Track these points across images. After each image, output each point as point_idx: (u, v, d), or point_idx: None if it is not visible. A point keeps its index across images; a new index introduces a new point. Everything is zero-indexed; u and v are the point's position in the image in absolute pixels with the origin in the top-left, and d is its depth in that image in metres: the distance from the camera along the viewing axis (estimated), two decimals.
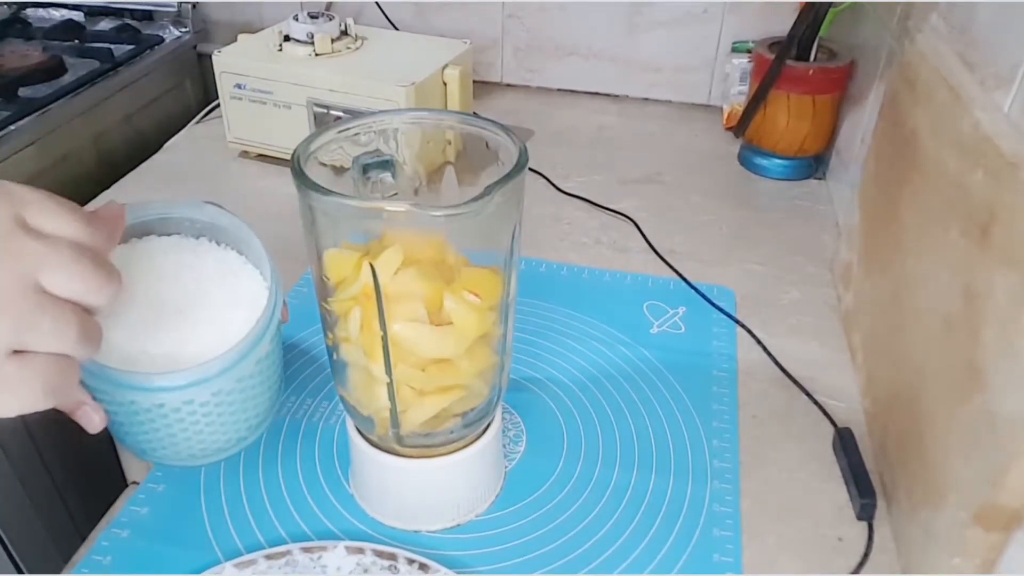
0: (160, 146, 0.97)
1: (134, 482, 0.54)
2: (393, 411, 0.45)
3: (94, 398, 0.43)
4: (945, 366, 0.47)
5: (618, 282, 0.74)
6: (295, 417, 0.59)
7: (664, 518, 0.52)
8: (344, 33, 0.90)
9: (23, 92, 0.90)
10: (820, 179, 0.92)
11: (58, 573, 0.48)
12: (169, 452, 0.47)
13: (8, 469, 0.74)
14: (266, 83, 0.86)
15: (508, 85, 1.13)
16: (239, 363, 0.44)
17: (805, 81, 0.85)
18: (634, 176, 0.92)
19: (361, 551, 0.47)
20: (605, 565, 0.49)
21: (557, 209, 0.86)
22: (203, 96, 1.15)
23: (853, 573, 0.49)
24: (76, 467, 0.82)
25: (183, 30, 1.12)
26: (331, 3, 1.12)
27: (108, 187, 0.88)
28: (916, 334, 0.52)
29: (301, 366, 0.63)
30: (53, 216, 0.34)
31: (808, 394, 0.61)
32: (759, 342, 0.67)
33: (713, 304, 0.71)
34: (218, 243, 0.49)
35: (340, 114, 0.83)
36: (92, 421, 0.42)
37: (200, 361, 0.43)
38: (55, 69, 0.96)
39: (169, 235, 0.48)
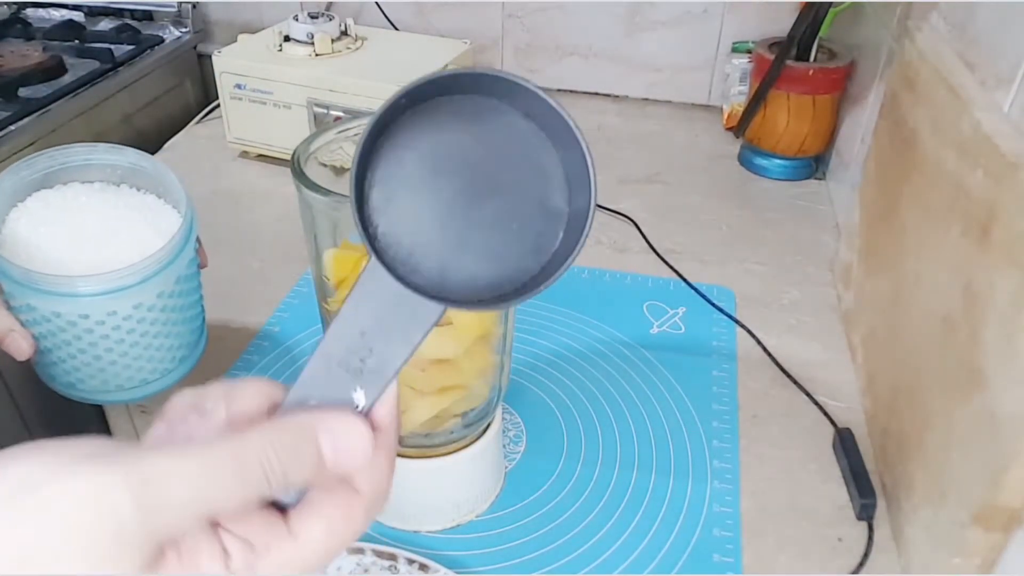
0: (160, 146, 0.97)
1: None
2: None
3: (22, 324, 0.45)
4: (945, 366, 0.47)
5: (618, 282, 0.74)
6: None
7: (664, 518, 0.52)
8: (344, 33, 0.90)
9: (23, 92, 0.90)
10: (820, 179, 0.92)
11: None
12: (97, 383, 0.48)
13: None
14: (266, 83, 0.86)
15: None
16: (159, 274, 0.46)
17: (805, 81, 0.85)
18: (634, 176, 0.92)
19: (361, 551, 0.47)
20: (605, 565, 0.49)
21: None
22: (203, 96, 1.15)
23: (853, 573, 0.49)
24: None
25: (183, 30, 1.12)
26: (331, 3, 1.12)
27: None
28: (916, 334, 0.52)
29: (301, 366, 0.63)
30: None
31: (808, 394, 0.61)
32: (759, 342, 0.67)
33: (713, 304, 0.71)
34: (139, 189, 0.52)
35: (340, 114, 0.83)
36: (20, 347, 0.45)
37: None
38: (55, 69, 0.96)
39: (92, 182, 0.51)
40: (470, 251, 0.27)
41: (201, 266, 0.53)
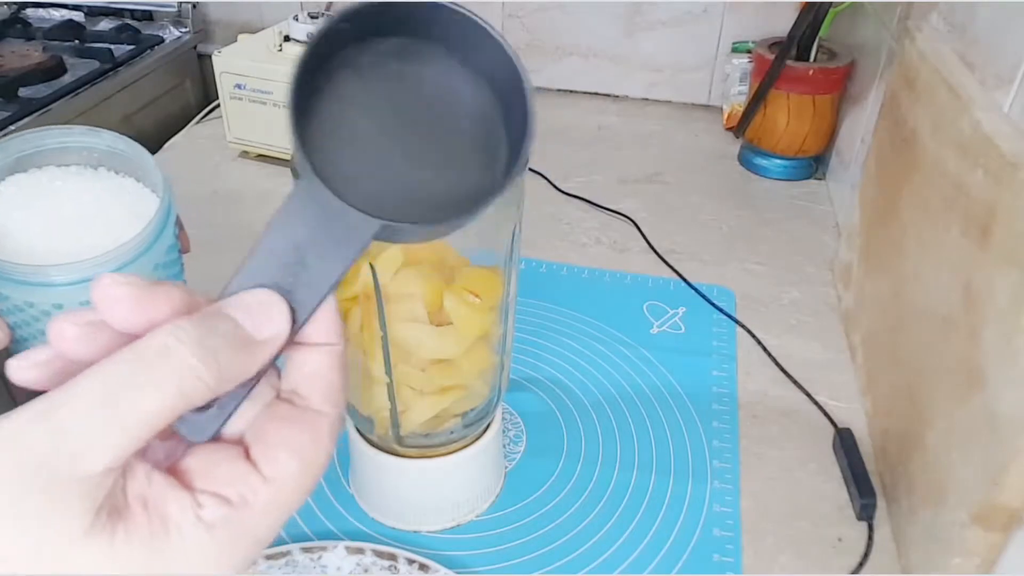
0: (160, 146, 0.97)
1: None
2: (393, 411, 0.45)
3: None
4: (945, 366, 0.47)
5: (618, 282, 0.74)
6: None
7: (664, 518, 0.52)
8: None
9: (23, 92, 0.90)
10: (820, 179, 0.92)
11: None
12: None
13: None
14: (266, 83, 0.86)
15: None
16: (136, 260, 0.44)
17: (805, 81, 0.85)
18: (634, 176, 0.92)
19: (361, 551, 0.47)
20: (605, 565, 0.49)
21: (557, 209, 0.86)
22: (203, 96, 1.15)
23: (853, 573, 0.49)
24: None
25: (183, 30, 1.12)
26: (331, 3, 1.12)
27: None
28: (916, 334, 0.52)
29: None
30: None
31: (808, 394, 0.61)
32: (759, 342, 0.67)
33: (713, 304, 0.71)
34: (116, 172, 0.50)
35: None
36: None
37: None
38: (55, 69, 0.96)
39: (68, 166, 0.49)
40: (410, 176, 0.27)
41: (183, 251, 0.51)
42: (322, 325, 0.26)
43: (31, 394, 0.22)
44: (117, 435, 0.20)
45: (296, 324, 0.25)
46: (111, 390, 0.21)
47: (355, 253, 0.26)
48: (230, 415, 0.24)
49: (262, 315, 0.24)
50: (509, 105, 0.28)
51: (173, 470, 0.23)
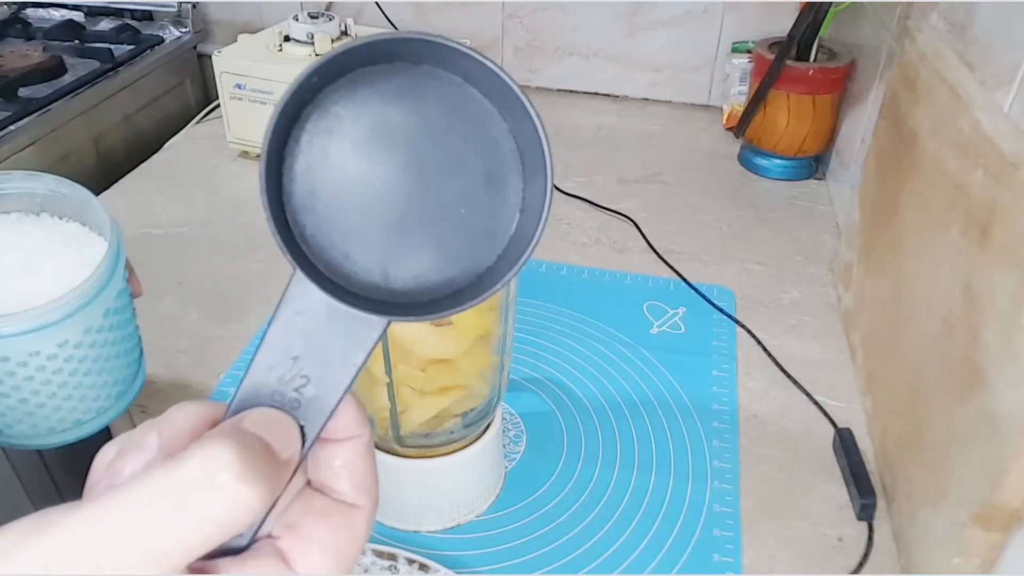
0: (160, 146, 0.97)
1: None
2: (393, 411, 0.45)
3: None
4: (945, 366, 0.47)
5: (618, 282, 0.74)
6: None
7: (664, 518, 0.52)
8: (344, 33, 0.90)
9: (23, 92, 0.90)
10: (820, 179, 0.92)
11: None
12: (25, 427, 0.45)
13: (8, 469, 0.74)
14: (266, 83, 0.86)
15: None
16: (84, 308, 0.43)
17: (805, 81, 0.85)
18: (634, 176, 0.92)
19: (361, 551, 0.47)
20: (605, 565, 0.49)
21: (557, 209, 0.86)
22: (203, 96, 1.15)
23: (853, 573, 0.49)
24: (76, 467, 0.82)
25: (183, 30, 1.12)
26: (331, 3, 1.12)
27: (108, 187, 0.88)
28: (916, 334, 0.52)
29: None
30: None
31: (808, 394, 0.61)
32: (759, 342, 0.67)
33: (713, 304, 0.71)
34: (60, 217, 0.49)
35: None
36: None
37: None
38: (55, 69, 0.96)
39: (8, 213, 0.48)
40: (414, 245, 0.23)
41: (134, 295, 0.50)
42: (343, 420, 0.25)
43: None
44: (155, 569, 0.19)
45: (307, 442, 0.23)
46: (150, 525, 0.19)
47: (364, 357, 0.24)
48: (264, 521, 0.23)
49: (282, 434, 0.23)
50: (525, 163, 0.24)
51: (203, 569, 0.22)
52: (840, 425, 0.58)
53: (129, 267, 0.49)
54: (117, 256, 0.46)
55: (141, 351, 0.51)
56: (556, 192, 0.87)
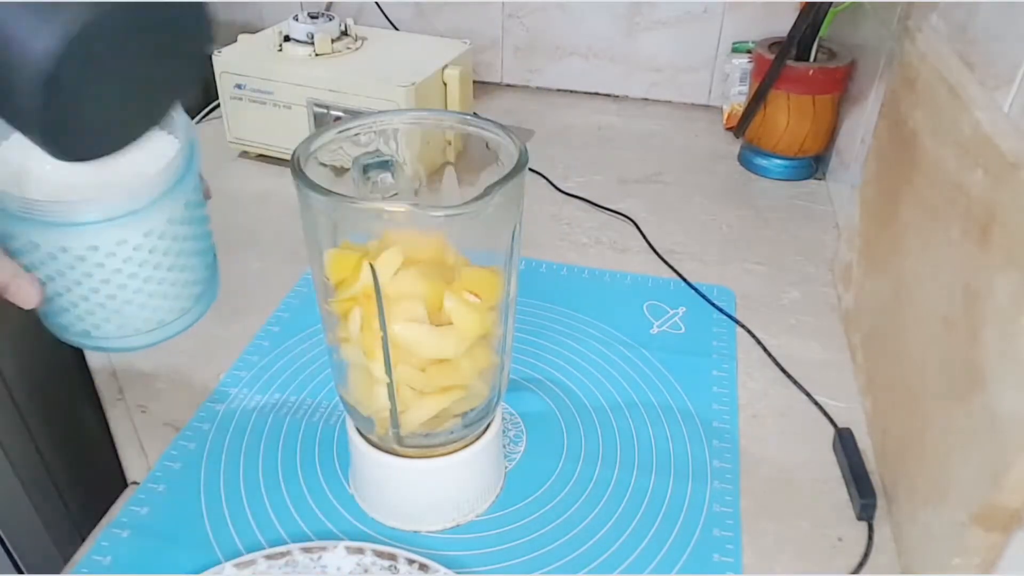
0: None
1: (134, 482, 0.54)
2: (393, 411, 0.45)
3: (25, 269, 0.42)
4: (945, 366, 0.47)
5: (618, 282, 0.74)
6: (295, 417, 0.59)
7: (664, 518, 0.52)
8: (344, 33, 0.90)
9: None
10: (820, 179, 0.92)
11: (58, 573, 0.48)
12: (113, 327, 0.45)
13: (8, 469, 0.74)
14: (266, 83, 0.86)
15: (508, 85, 1.13)
16: (166, 196, 0.42)
17: (805, 81, 0.85)
18: (634, 176, 0.92)
19: (361, 551, 0.47)
20: (605, 565, 0.49)
21: (557, 209, 0.86)
22: (203, 96, 1.15)
23: (853, 573, 0.49)
24: (76, 467, 0.82)
25: None
26: (331, 3, 1.12)
27: None
28: (916, 334, 0.52)
29: (301, 366, 0.63)
30: None
31: (808, 394, 0.61)
32: (759, 342, 0.67)
33: (713, 304, 0.71)
34: None
35: (340, 114, 0.83)
36: (28, 294, 0.41)
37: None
38: None
39: None
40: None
41: (205, 196, 0.49)
42: None
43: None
44: None
45: None
46: None
47: None
48: None
49: None
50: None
51: None
52: (840, 425, 0.58)
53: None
54: (192, 150, 0.45)
55: (215, 255, 0.50)
56: (556, 192, 0.88)
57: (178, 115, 0.46)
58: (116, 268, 0.43)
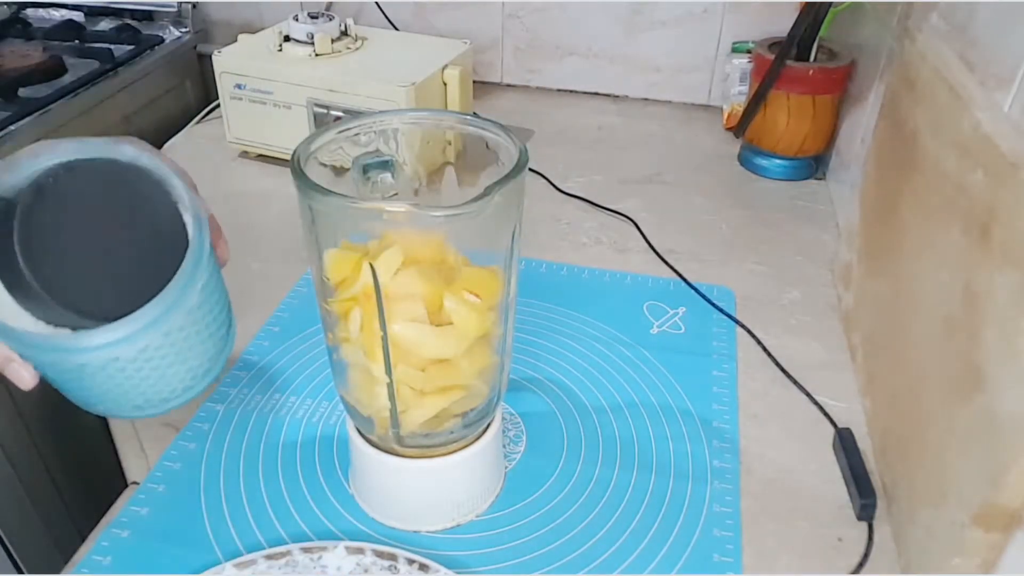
0: (160, 146, 0.97)
1: (134, 482, 0.54)
2: (393, 411, 0.45)
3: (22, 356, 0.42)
4: (945, 366, 0.47)
5: (618, 282, 0.74)
6: (295, 417, 0.59)
7: (664, 518, 0.52)
8: (344, 33, 0.90)
9: (23, 92, 0.90)
10: (820, 179, 0.92)
11: (58, 573, 0.48)
12: (110, 406, 0.45)
13: (8, 469, 0.74)
14: (266, 83, 0.86)
15: (508, 85, 1.13)
16: (166, 315, 0.41)
17: (805, 81, 0.85)
18: (634, 176, 0.92)
19: (361, 551, 0.47)
20: (605, 565, 0.49)
21: (557, 209, 0.86)
22: (203, 96, 1.15)
23: (853, 573, 0.49)
24: (76, 467, 0.82)
25: (183, 30, 1.12)
26: (331, 3, 1.12)
27: None
28: (916, 334, 0.52)
29: (301, 366, 0.63)
30: None
31: (808, 394, 0.61)
32: (759, 342, 0.67)
33: (713, 304, 0.71)
34: None
35: (340, 114, 0.83)
36: (22, 378, 0.41)
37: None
38: (55, 69, 0.96)
39: None
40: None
41: (220, 262, 0.48)
42: None
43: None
44: None
45: None
46: None
47: None
48: None
49: None
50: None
51: None
52: (840, 425, 0.58)
53: (216, 228, 0.47)
54: (201, 251, 0.43)
55: (231, 322, 0.49)
56: (556, 192, 0.88)
57: (183, 191, 0.45)
58: (108, 376, 0.42)
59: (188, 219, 0.45)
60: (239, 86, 0.87)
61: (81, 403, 0.46)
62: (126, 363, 0.42)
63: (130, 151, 0.44)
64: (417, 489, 0.50)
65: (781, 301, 0.72)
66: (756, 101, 0.87)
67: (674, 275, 0.75)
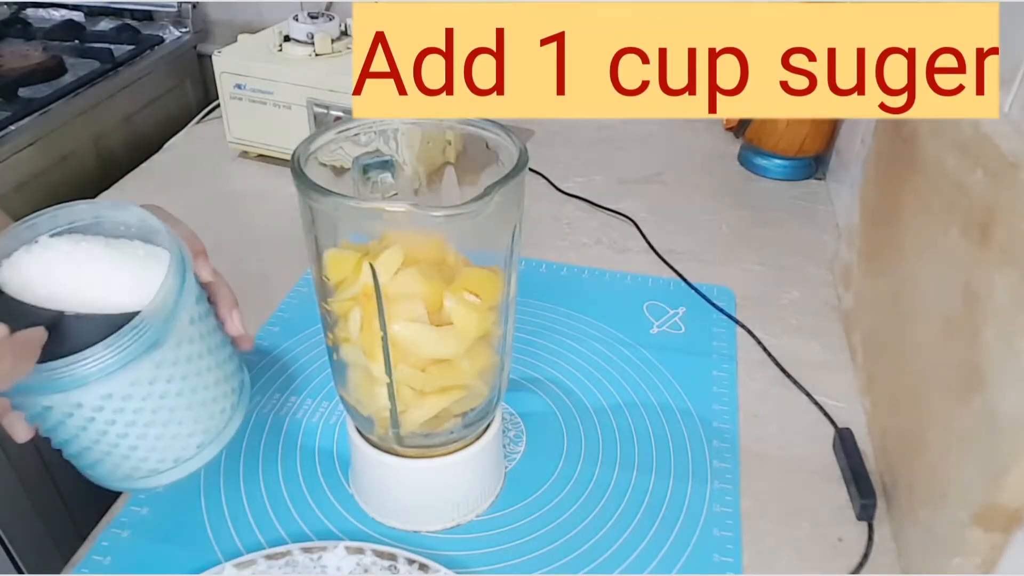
0: (160, 146, 0.97)
1: None
2: (393, 411, 0.45)
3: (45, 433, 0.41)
4: (945, 366, 0.47)
5: (618, 282, 0.74)
6: (295, 417, 0.59)
7: (664, 518, 0.52)
8: (344, 33, 0.90)
9: (23, 92, 0.90)
10: (820, 179, 0.92)
11: (58, 573, 0.48)
12: (106, 469, 0.44)
13: (8, 469, 0.74)
14: (266, 83, 0.86)
15: None
16: (131, 362, 0.39)
17: None
18: (634, 176, 0.92)
19: (361, 551, 0.47)
20: (605, 565, 0.49)
21: (557, 209, 0.86)
22: (203, 96, 1.15)
23: (853, 573, 0.49)
24: (76, 467, 0.82)
25: (183, 30, 1.12)
26: (331, 3, 1.12)
27: (108, 187, 0.88)
28: (916, 334, 0.52)
29: (301, 366, 0.63)
30: None
31: (808, 394, 0.61)
32: (759, 342, 0.67)
33: (713, 304, 0.71)
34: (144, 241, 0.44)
35: (340, 114, 0.83)
36: (18, 431, 0.41)
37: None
38: (55, 69, 0.96)
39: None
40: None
41: (241, 347, 0.46)
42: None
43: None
44: None
45: None
46: None
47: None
48: None
49: None
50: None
51: None
52: (840, 425, 0.58)
53: (227, 298, 0.45)
54: (175, 310, 0.41)
55: (238, 399, 0.47)
56: (556, 192, 0.88)
57: (159, 226, 0.43)
58: (80, 426, 0.41)
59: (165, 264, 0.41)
60: (239, 86, 0.87)
61: (77, 464, 0.45)
62: (93, 413, 0.40)
63: (138, 213, 0.43)
64: (417, 489, 0.50)
65: (781, 301, 0.72)
66: None
67: (674, 275, 0.75)
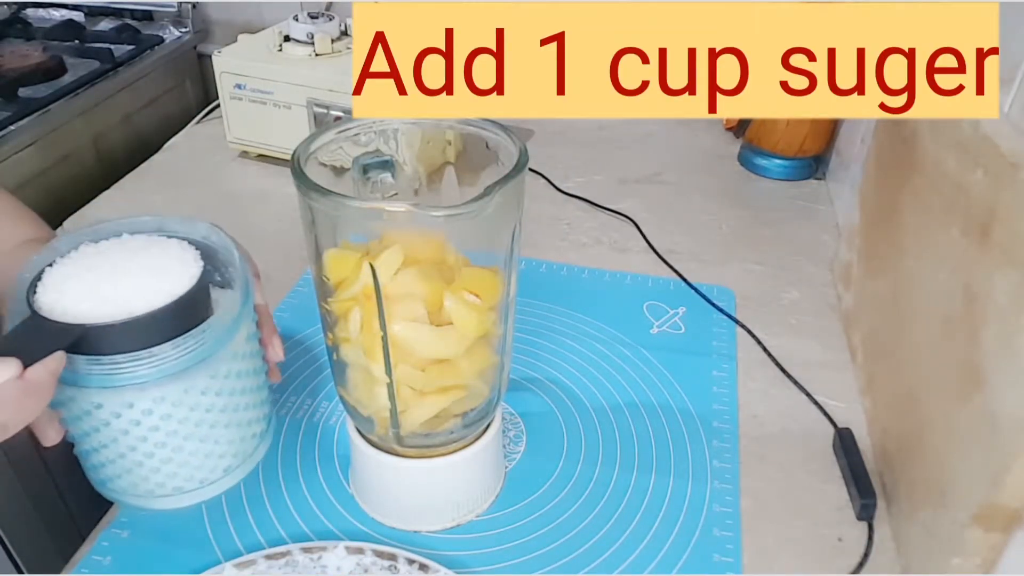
0: (160, 146, 0.97)
1: None
2: (393, 411, 0.45)
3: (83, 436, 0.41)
4: (945, 366, 0.47)
5: (618, 282, 0.74)
6: (295, 417, 0.59)
7: (664, 518, 0.52)
8: (344, 33, 0.90)
9: (23, 92, 0.90)
10: (820, 179, 0.92)
11: (58, 573, 0.48)
12: (126, 483, 0.44)
13: (8, 469, 0.74)
14: (266, 83, 0.86)
15: None
16: (184, 372, 0.40)
17: None
18: (634, 176, 0.92)
19: (361, 551, 0.47)
20: (605, 565, 0.49)
21: (557, 209, 0.86)
22: (203, 96, 1.15)
23: (853, 573, 0.49)
24: (76, 467, 0.82)
25: (183, 30, 1.12)
26: (331, 3, 1.12)
27: (108, 187, 0.88)
28: (916, 334, 0.52)
29: (301, 366, 0.63)
30: None
31: (808, 394, 0.61)
32: (759, 342, 0.67)
33: (713, 304, 0.71)
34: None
35: (340, 114, 0.83)
36: (47, 432, 0.40)
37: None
38: (55, 69, 0.96)
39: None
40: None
41: (272, 377, 0.47)
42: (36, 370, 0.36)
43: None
44: None
45: None
46: None
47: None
48: None
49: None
50: None
51: None
52: (840, 425, 0.58)
53: (272, 330, 0.46)
54: (235, 326, 0.42)
55: (267, 427, 0.48)
56: (556, 192, 0.88)
57: (227, 242, 0.44)
58: (122, 429, 0.41)
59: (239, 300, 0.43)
60: (239, 86, 0.87)
61: (98, 479, 0.45)
62: (141, 416, 0.40)
63: (203, 228, 0.46)
64: (417, 489, 0.50)
65: (781, 301, 0.72)
66: None
67: (674, 275, 0.75)
